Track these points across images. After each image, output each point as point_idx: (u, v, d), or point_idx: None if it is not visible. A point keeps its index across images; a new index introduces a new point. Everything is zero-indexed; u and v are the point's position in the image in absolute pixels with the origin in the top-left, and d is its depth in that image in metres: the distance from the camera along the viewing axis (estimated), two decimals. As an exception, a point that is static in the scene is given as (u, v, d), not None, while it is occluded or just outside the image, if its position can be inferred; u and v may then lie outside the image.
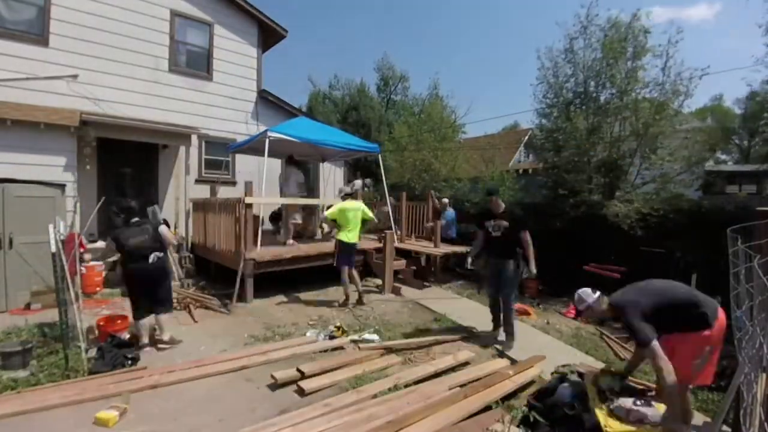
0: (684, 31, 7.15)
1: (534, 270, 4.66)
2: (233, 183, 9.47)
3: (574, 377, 3.24)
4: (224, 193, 8.44)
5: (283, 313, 5.67)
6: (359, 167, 19.73)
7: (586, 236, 7.79)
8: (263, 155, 6.76)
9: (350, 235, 6.00)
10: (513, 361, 4.27)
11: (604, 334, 5.38)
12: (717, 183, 14.70)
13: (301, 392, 3.36)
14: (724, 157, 25.50)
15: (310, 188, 11.30)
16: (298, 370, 3.58)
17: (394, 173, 14.42)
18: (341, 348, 4.40)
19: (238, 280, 5.76)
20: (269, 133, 6.55)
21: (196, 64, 8.94)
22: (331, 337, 4.66)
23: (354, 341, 4.58)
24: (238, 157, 9.30)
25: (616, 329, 5.69)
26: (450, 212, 8.89)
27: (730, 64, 24.29)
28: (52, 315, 4.35)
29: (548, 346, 4.84)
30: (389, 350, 4.33)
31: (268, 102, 9.95)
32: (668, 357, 2.47)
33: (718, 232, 5.51)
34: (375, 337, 4.77)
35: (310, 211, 8.41)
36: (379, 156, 8.66)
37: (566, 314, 6.29)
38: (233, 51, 9.37)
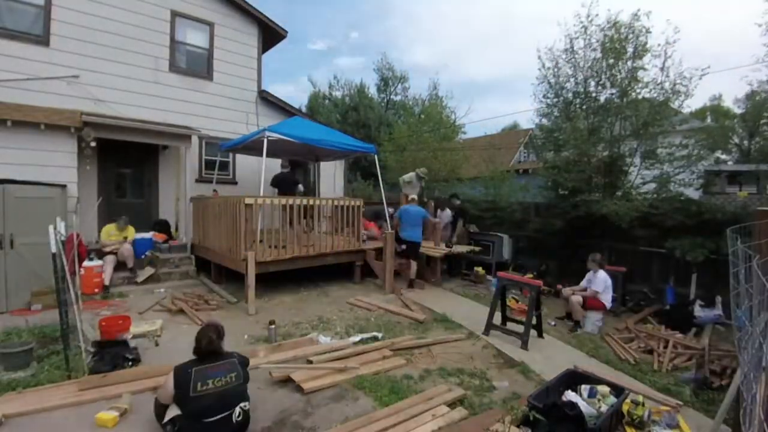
0: (681, 31, 7.13)
1: None
2: (234, 182, 9.50)
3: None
4: (225, 192, 8.45)
5: (284, 313, 5.67)
6: (359, 167, 19.75)
7: (587, 236, 7.79)
8: (257, 155, 6.72)
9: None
10: (512, 360, 4.28)
11: (607, 335, 5.38)
12: (717, 183, 14.69)
13: (302, 392, 3.37)
14: (724, 156, 25.46)
15: (310, 188, 11.34)
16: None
17: (394, 173, 14.42)
18: (343, 350, 4.39)
19: (247, 280, 5.74)
20: (267, 133, 6.49)
21: (197, 64, 8.96)
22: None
23: (356, 343, 4.58)
24: (239, 156, 9.32)
25: (617, 330, 5.69)
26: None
27: (729, 62, 24.24)
28: (52, 315, 4.36)
29: (549, 346, 4.85)
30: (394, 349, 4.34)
31: (268, 102, 9.96)
32: None
33: (718, 232, 5.55)
34: (379, 335, 4.78)
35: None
36: (376, 157, 8.61)
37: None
38: (233, 51, 9.38)
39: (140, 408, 3.01)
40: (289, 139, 6.70)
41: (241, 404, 2.58)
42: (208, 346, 2.68)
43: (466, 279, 8.54)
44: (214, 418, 2.47)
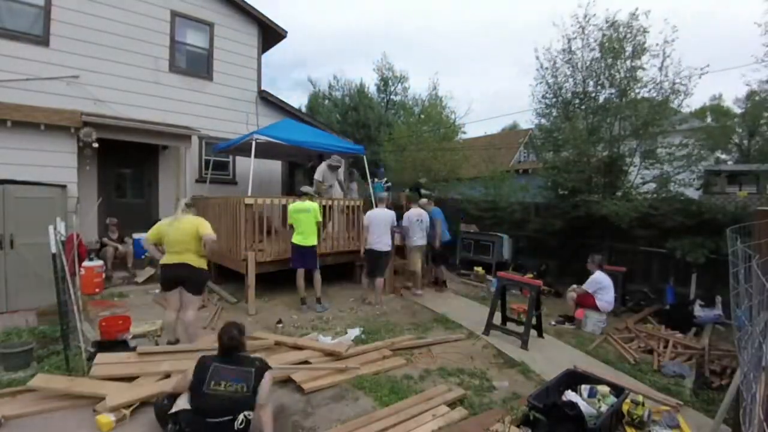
0: (679, 30, 7.12)
1: None
2: (234, 183, 9.49)
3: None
4: (225, 192, 8.44)
5: (284, 313, 5.67)
6: (359, 168, 19.70)
7: (587, 236, 7.79)
8: (252, 156, 6.82)
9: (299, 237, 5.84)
10: (512, 360, 4.28)
11: (607, 335, 5.38)
12: (717, 183, 14.70)
13: (302, 392, 3.37)
14: (724, 156, 25.47)
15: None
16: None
17: (394, 173, 14.41)
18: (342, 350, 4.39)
19: (247, 280, 5.75)
20: (256, 136, 6.63)
21: (197, 64, 8.96)
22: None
23: (354, 339, 4.60)
24: (239, 157, 9.30)
25: (617, 330, 5.69)
26: (436, 210, 7.67)
27: (729, 62, 24.25)
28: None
29: (549, 346, 4.85)
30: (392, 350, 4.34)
31: (268, 102, 9.96)
32: None
33: (718, 232, 5.55)
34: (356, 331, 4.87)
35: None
36: (365, 157, 8.57)
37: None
38: (233, 51, 9.38)
39: (140, 408, 3.02)
40: (278, 141, 6.81)
41: (246, 413, 2.60)
42: (230, 342, 2.74)
43: (465, 278, 8.54)
44: (217, 420, 2.49)
